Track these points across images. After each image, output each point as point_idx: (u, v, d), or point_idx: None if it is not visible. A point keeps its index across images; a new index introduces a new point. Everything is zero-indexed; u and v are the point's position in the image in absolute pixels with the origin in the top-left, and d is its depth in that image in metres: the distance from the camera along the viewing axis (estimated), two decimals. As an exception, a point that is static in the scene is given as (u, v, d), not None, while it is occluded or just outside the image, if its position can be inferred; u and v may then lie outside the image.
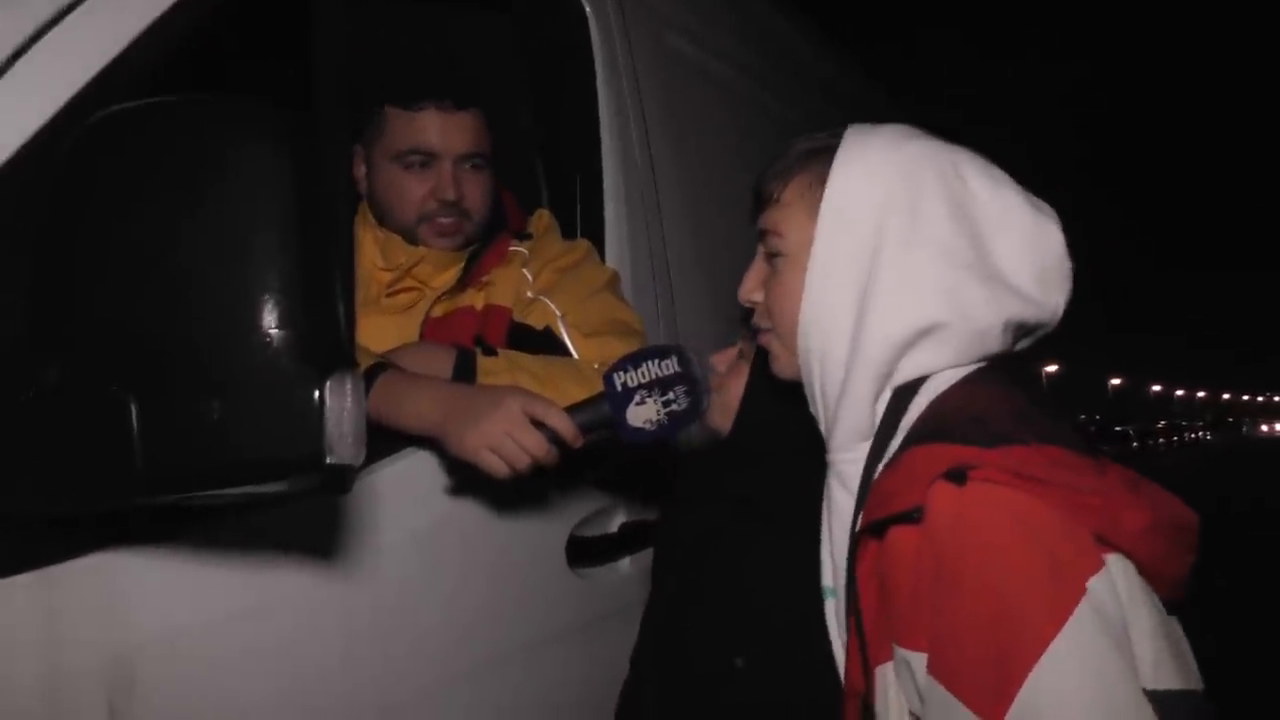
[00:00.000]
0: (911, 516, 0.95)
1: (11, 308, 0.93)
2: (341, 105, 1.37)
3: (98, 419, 0.87)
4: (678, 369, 1.37)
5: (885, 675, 0.99)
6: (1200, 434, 74.60)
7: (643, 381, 1.36)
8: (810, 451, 1.43)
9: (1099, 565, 0.92)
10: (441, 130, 1.66)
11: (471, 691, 1.44)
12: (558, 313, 1.62)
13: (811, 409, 1.18)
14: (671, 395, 1.36)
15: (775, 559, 1.39)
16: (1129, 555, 0.95)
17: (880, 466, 1.06)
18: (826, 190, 1.12)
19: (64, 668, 0.97)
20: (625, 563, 1.78)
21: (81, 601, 1.00)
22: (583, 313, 1.63)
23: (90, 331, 0.89)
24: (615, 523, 1.78)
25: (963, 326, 1.06)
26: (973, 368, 1.10)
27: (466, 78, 1.77)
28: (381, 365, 1.40)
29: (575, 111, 1.96)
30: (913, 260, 1.07)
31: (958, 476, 0.93)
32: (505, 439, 1.32)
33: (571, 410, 1.37)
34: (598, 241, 1.87)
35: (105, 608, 1.01)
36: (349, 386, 0.92)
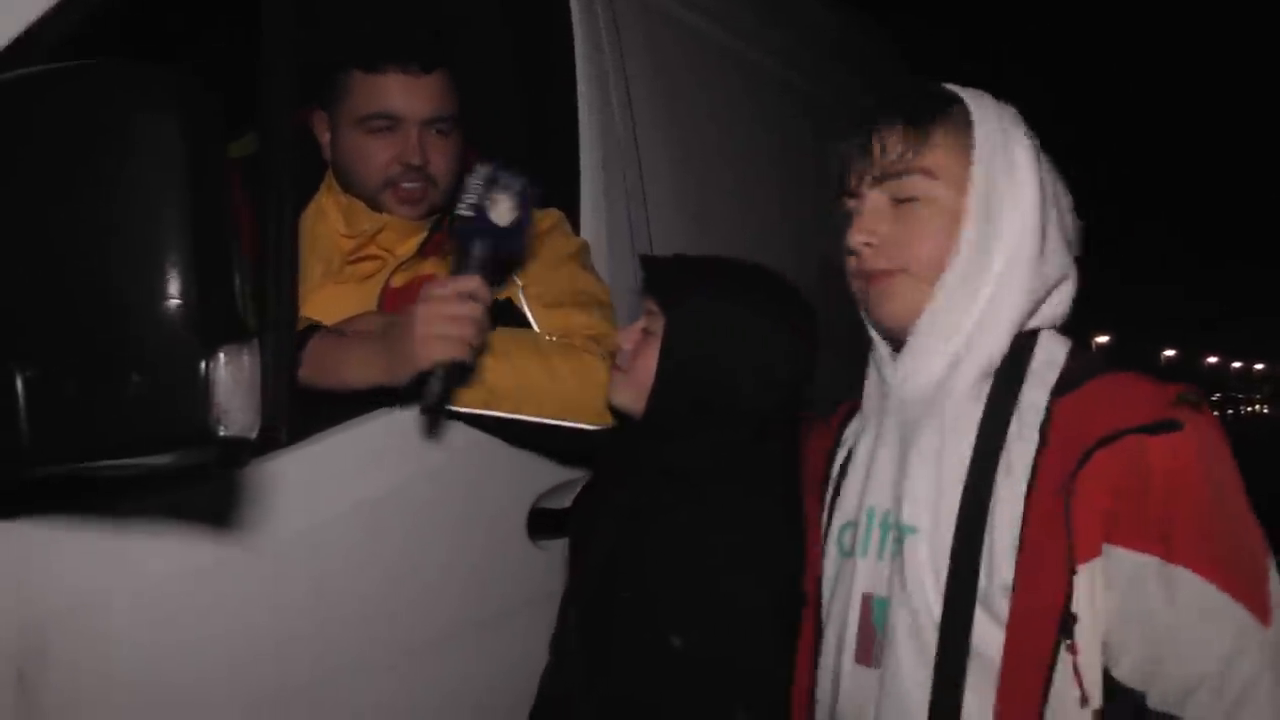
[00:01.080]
0: (1175, 427, 1.03)
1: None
2: (290, 71, 1.34)
3: (-16, 390, 0.86)
4: (488, 173, 1.37)
5: (1082, 581, 1.02)
6: (1257, 407, 73.06)
7: (474, 200, 1.35)
8: (726, 423, 1.41)
9: None
10: (406, 93, 1.63)
11: (419, 666, 1.43)
12: (519, 283, 1.60)
13: (911, 349, 1.17)
14: (503, 184, 1.36)
15: (703, 533, 1.37)
16: None
17: (1029, 395, 1.12)
18: (978, 140, 1.16)
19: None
20: (594, 535, 1.76)
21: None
22: (545, 283, 1.60)
23: (-21, 303, 0.88)
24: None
25: (1074, 280, 1.20)
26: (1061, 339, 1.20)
27: (431, 39, 1.73)
28: (310, 329, 1.39)
29: (554, 77, 1.92)
30: (1052, 214, 1.17)
31: (1193, 402, 1.06)
32: (437, 327, 1.34)
33: (458, 268, 1.39)
34: (574, 211, 1.84)
35: (12, 577, 1.01)
36: (244, 358, 0.91)
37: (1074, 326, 1.24)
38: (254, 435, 0.91)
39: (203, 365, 0.86)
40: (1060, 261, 1.17)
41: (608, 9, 2.00)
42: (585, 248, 1.75)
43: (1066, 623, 1.02)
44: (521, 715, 1.50)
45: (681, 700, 1.32)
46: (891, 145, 1.18)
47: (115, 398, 0.86)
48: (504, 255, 1.43)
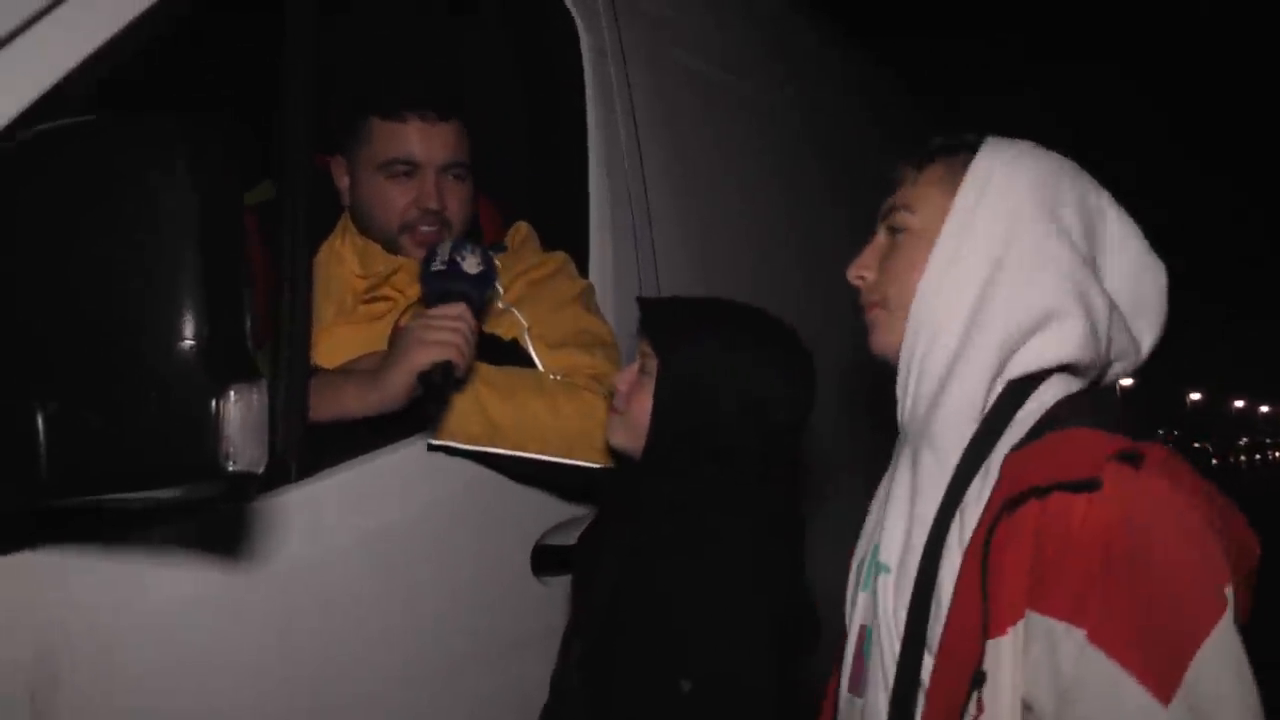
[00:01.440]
0: (1090, 486, 0.97)
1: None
2: (308, 120, 1.40)
3: (8, 424, 0.91)
4: (453, 242, 1.56)
5: (1001, 645, 0.99)
6: (1286, 452, 72.18)
7: (446, 256, 1.52)
8: (721, 463, 1.43)
9: (1229, 576, 0.98)
10: (424, 140, 1.70)
11: (421, 698, 1.46)
12: (525, 324, 1.64)
13: (899, 386, 1.19)
14: (469, 248, 1.54)
15: (702, 572, 1.38)
16: (1238, 577, 1.00)
17: (998, 449, 1.09)
18: (971, 170, 1.17)
19: (-15, 661, 1.02)
20: (598, 572, 1.79)
21: (4, 597, 1.04)
22: (550, 324, 1.65)
23: (4, 342, 0.93)
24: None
25: (1080, 320, 1.10)
26: (1081, 385, 1.15)
27: (449, 88, 1.80)
28: (313, 372, 1.44)
29: (565, 123, 1.97)
30: (1046, 248, 1.12)
31: (1133, 459, 0.99)
32: (429, 334, 1.45)
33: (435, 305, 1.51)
34: (582, 253, 1.89)
35: (28, 604, 1.05)
36: (253, 395, 0.95)
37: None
38: (261, 470, 0.95)
39: (213, 403, 0.91)
40: (1042, 304, 1.11)
41: (618, 57, 2.05)
42: (590, 290, 1.80)
43: (977, 681, 1.00)
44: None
45: None
46: (898, 184, 1.24)
47: (130, 432, 0.91)
48: (475, 301, 1.53)
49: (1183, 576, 0.96)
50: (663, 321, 1.50)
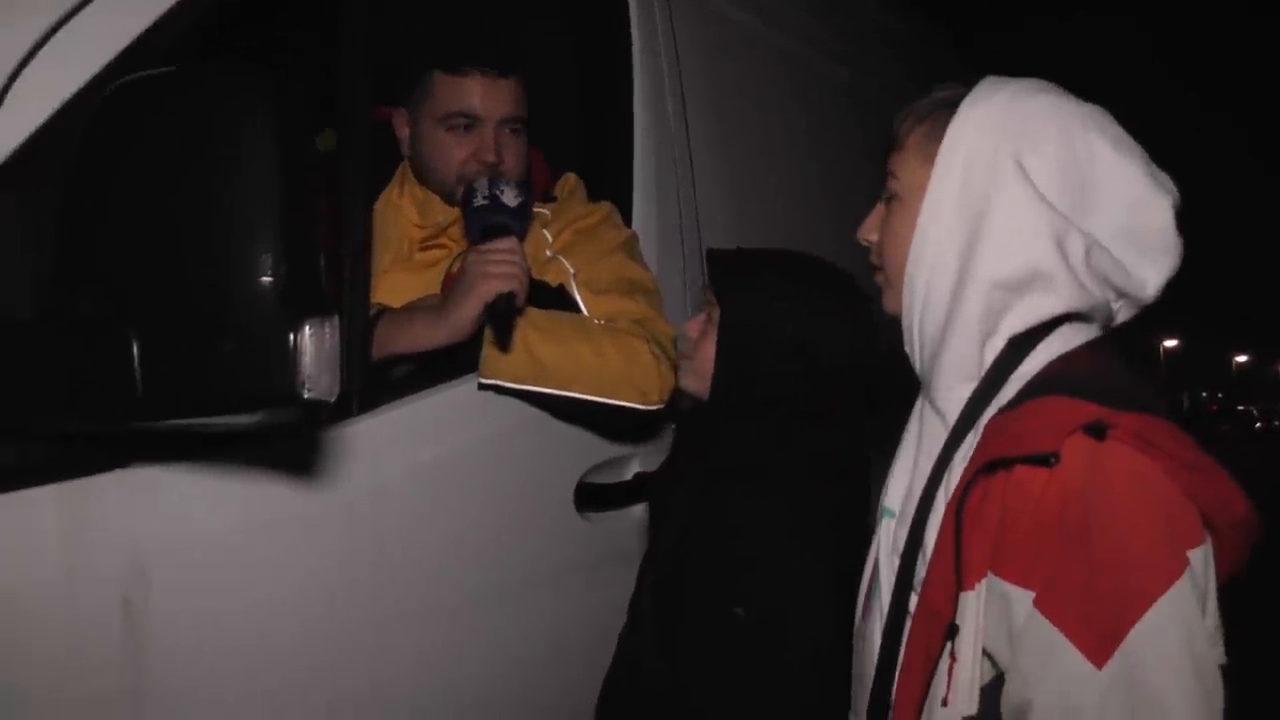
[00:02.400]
0: (1048, 460, 1.00)
1: (43, 249, 1.06)
2: (365, 75, 1.46)
3: (106, 352, 1.00)
4: (489, 179, 1.65)
5: (968, 600, 1.04)
6: (1334, 418, 70.87)
7: (485, 192, 1.63)
8: (770, 402, 1.51)
9: (1201, 538, 1.01)
10: (485, 95, 1.75)
11: (468, 620, 1.56)
12: (571, 271, 1.71)
13: (905, 346, 1.24)
14: (505, 182, 1.65)
15: (762, 512, 1.47)
16: (1221, 533, 1.03)
17: (991, 408, 1.12)
18: (946, 133, 1.16)
19: (83, 566, 1.12)
20: (638, 510, 1.87)
21: (102, 510, 1.14)
22: (595, 271, 1.72)
23: (104, 275, 1.01)
24: (630, 471, 1.87)
25: (1063, 272, 1.10)
26: (1088, 333, 1.15)
27: (510, 44, 1.85)
28: (378, 312, 1.52)
29: (611, 76, 2.02)
30: (1019, 204, 1.11)
31: (1097, 431, 1.00)
32: (488, 268, 1.54)
33: (485, 238, 1.59)
34: (626, 203, 1.95)
35: (123, 516, 1.15)
36: (326, 329, 1.03)
37: (1131, 327, 1.19)
38: (333, 399, 1.03)
39: (290, 335, 0.99)
40: (1023, 262, 1.10)
41: (664, 9, 2.10)
42: (634, 239, 1.86)
43: (950, 632, 1.05)
44: (562, 673, 1.63)
45: (742, 664, 1.43)
46: (888, 145, 1.26)
47: (215, 361, 0.98)
48: (519, 232, 1.63)
49: (1135, 544, 0.98)
50: (726, 271, 1.58)
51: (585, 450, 1.78)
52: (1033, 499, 1.01)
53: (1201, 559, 1.00)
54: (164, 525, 1.19)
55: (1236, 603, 1.11)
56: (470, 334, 1.57)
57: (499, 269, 1.53)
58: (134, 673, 1.16)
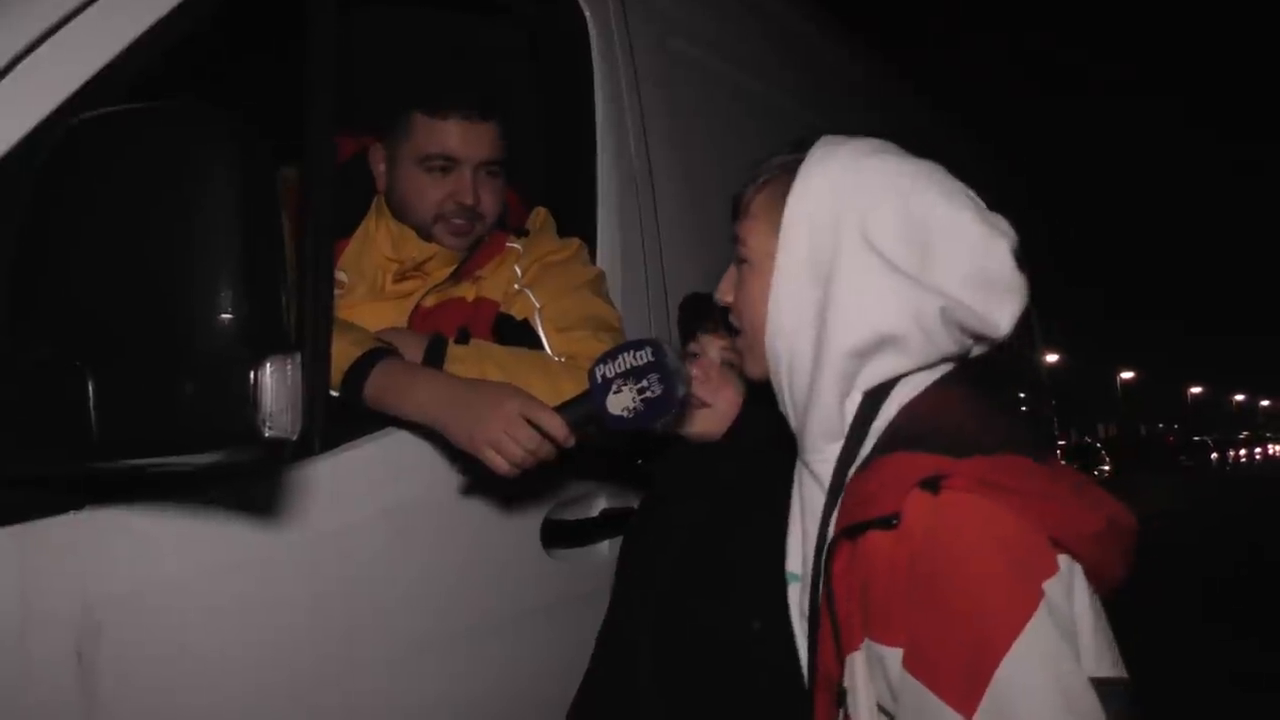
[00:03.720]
0: (889, 522, 1.02)
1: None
2: (329, 110, 1.46)
3: (62, 391, 0.98)
4: (651, 358, 1.45)
5: (855, 663, 1.07)
6: (1286, 447, 72.30)
7: (619, 371, 1.45)
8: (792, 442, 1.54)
9: (1054, 568, 1.01)
10: (464, 138, 1.76)
11: (436, 658, 1.53)
12: (536, 305, 1.71)
13: (781, 409, 1.25)
14: (645, 383, 1.45)
15: (773, 536, 1.48)
16: (1078, 557, 1.04)
17: (853, 469, 1.14)
18: (788, 202, 1.18)
19: (35, 614, 1.09)
20: (604, 546, 1.86)
21: (55, 555, 1.11)
22: (560, 307, 1.72)
23: (59, 312, 0.99)
24: (596, 508, 1.87)
25: (916, 334, 1.13)
26: (939, 371, 1.17)
27: (489, 88, 1.86)
28: (380, 352, 1.50)
29: (574, 113, 2.04)
30: (864, 271, 1.13)
31: (931, 485, 1.02)
32: (505, 438, 1.44)
33: (562, 409, 1.48)
34: (590, 238, 1.95)
35: (77, 562, 1.12)
36: (288, 367, 1.02)
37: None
38: (295, 437, 1.02)
39: (251, 372, 0.97)
40: (873, 330, 1.13)
41: (625, 48, 2.12)
42: (601, 276, 1.86)
43: (841, 695, 1.07)
44: (530, 710, 1.61)
45: (749, 692, 1.45)
46: (735, 208, 1.28)
47: (174, 399, 0.97)
48: (603, 427, 1.49)
49: (983, 590, 0.99)
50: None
51: (550, 488, 1.77)
52: (885, 559, 1.03)
53: (1059, 588, 1.00)
54: (120, 570, 1.17)
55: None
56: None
57: (514, 448, 1.44)
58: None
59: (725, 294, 1.31)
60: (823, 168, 1.18)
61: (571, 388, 1.61)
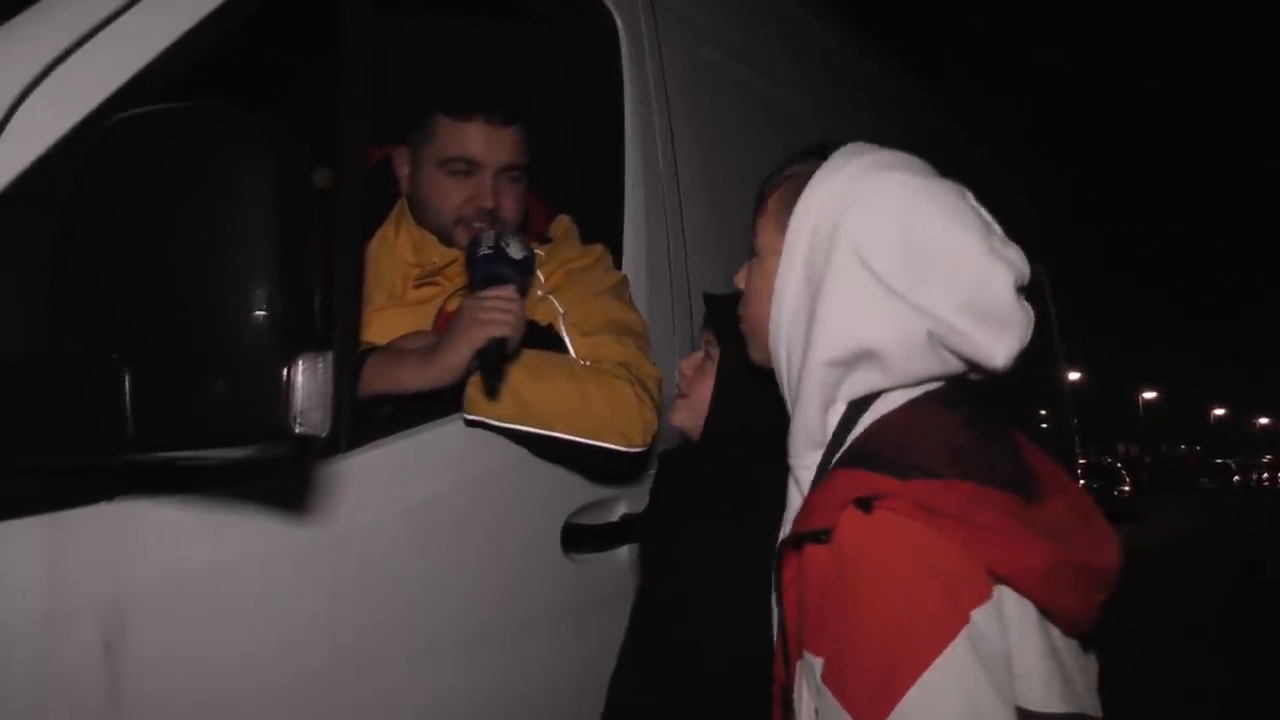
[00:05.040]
0: (820, 537, 1.04)
1: (35, 287, 1.06)
2: (363, 114, 1.48)
3: (98, 385, 0.99)
4: (496, 232, 1.67)
5: (799, 671, 1.09)
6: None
7: (492, 243, 1.63)
8: (767, 438, 1.52)
9: (985, 596, 1.01)
10: (486, 142, 1.78)
11: (453, 658, 1.54)
12: (561, 311, 1.73)
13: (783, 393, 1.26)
14: (510, 237, 1.66)
15: (751, 547, 1.47)
16: (1021, 591, 1.04)
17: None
18: (795, 207, 1.19)
19: (64, 606, 1.10)
20: (624, 551, 1.86)
21: (85, 546, 1.12)
22: (584, 312, 1.73)
23: (96, 307, 1.01)
24: (617, 513, 1.87)
25: (896, 352, 1.12)
26: (922, 390, 1.16)
27: (514, 92, 1.88)
28: (367, 350, 1.52)
29: (603, 121, 2.05)
30: (851, 284, 1.13)
31: (865, 505, 1.03)
32: (483, 314, 1.54)
33: (484, 288, 1.60)
34: (616, 245, 1.97)
35: (107, 553, 1.14)
36: (319, 365, 1.03)
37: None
38: (325, 434, 1.03)
39: (284, 370, 0.99)
40: (853, 344, 1.12)
41: (655, 55, 2.13)
42: (624, 281, 1.87)
43: (785, 697, 1.09)
44: (546, 714, 1.62)
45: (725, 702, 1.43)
46: (756, 204, 1.30)
47: (207, 395, 0.98)
48: (520, 285, 1.64)
49: (902, 612, 0.99)
50: (727, 313, 1.60)
51: (572, 491, 1.77)
52: (819, 572, 1.05)
53: (989, 616, 1.00)
54: (148, 561, 1.18)
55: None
56: (460, 378, 1.57)
57: (495, 315, 1.54)
58: (113, 714, 1.14)
59: (740, 280, 1.34)
60: (834, 176, 1.18)
61: (598, 392, 1.63)
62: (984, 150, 4.46)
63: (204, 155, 1.01)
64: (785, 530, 1.23)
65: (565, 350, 1.70)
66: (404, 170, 1.86)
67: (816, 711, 1.06)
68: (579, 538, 1.78)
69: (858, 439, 1.13)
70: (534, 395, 1.60)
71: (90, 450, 1.02)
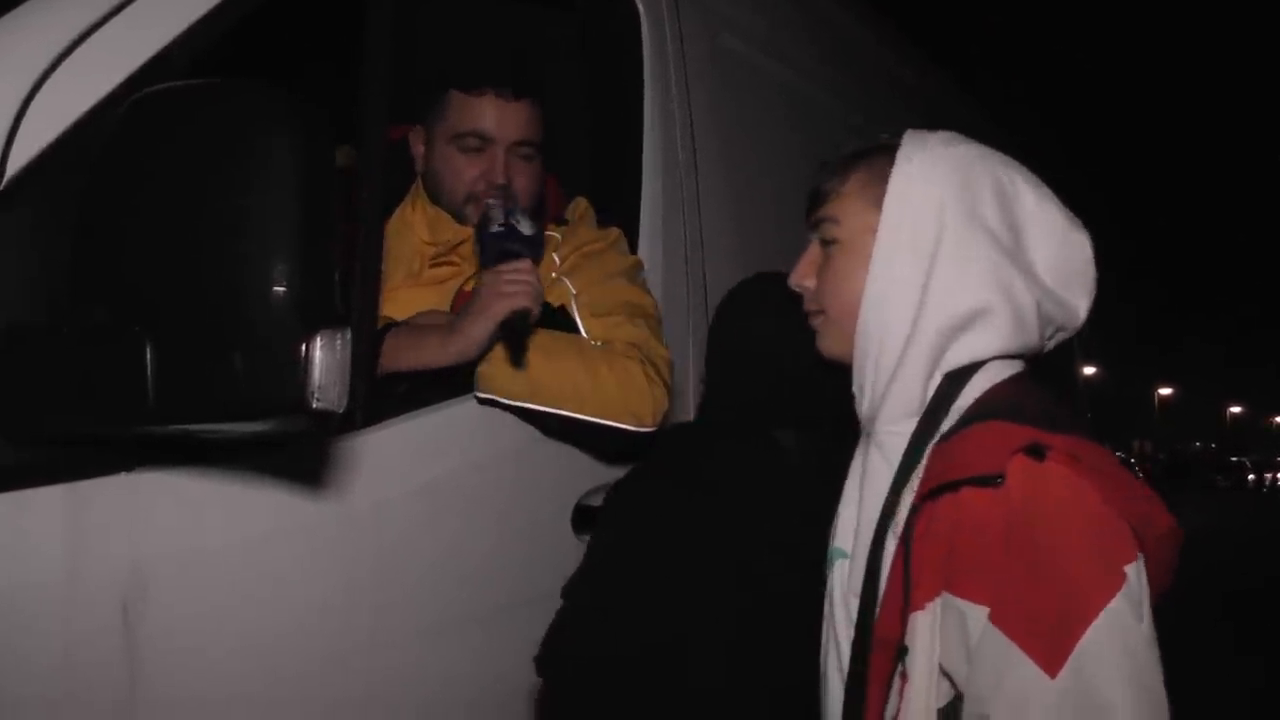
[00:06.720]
0: (994, 480, 1.06)
1: (63, 254, 1.08)
2: (384, 94, 1.49)
3: (120, 357, 1.01)
4: (506, 208, 1.67)
5: (916, 622, 1.09)
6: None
7: (502, 218, 1.64)
8: (755, 432, 1.52)
9: (1135, 555, 1.05)
10: (498, 116, 1.78)
11: (463, 636, 1.56)
12: (573, 292, 1.73)
13: (855, 386, 1.27)
14: (521, 212, 1.67)
15: (713, 538, 1.47)
16: (1145, 554, 1.07)
17: (933, 441, 1.16)
18: (891, 181, 1.22)
19: (84, 570, 1.12)
20: (634, 534, 1.87)
21: (105, 514, 1.14)
22: (596, 294, 1.74)
23: (120, 279, 1.03)
24: (628, 495, 1.88)
25: (1008, 312, 1.17)
26: (1015, 366, 1.21)
27: (527, 69, 1.88)
28: (387, 325, 1.54)
29: (623, 106, 2.06)
30: (969, 247, 1.18)
31: (1037, 452, 1.06)
32: (503, 287, 1.55)
33: (497, 263, 1.60)
34: (633, 230, 1.97)
35: (126, 521, 1.16)
36: (338, 341, 1.04)
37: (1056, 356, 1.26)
38: (342, 409, 1.05)
39: (303, 345, 1.00)
40: (971, 304, 1.17)
41: (678, 46, 2.13)
42: (638, 265, 1.88)
43: (900, 654, 1.09)
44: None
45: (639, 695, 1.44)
46: (821, 194, 1.30)
47: (227, 369, 1.00)
48: (532, 259, 1.65)
49: (1077, 559, 1.03)
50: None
51: (583, 473, 1.79)
52: (980, 518, 1.06)
53: (1135, 574, 1.04)
54: (166, 530, 1.20)
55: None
56: (481, 353, 1.58)
57: (512, 288, 1.55)
58: (130, 678, 1.16)
59: (804, 276, 1.33)
60: (921, 149, 1.23)
61: (608, 372, 1.64)
62: (1005, 140, 4.44)
63: (228, 131, 1.02)
64: (859, 500, 1.23)
65: (577, 331, 1.71)
66: (419, 149, 1.86)
67: (946, 666, 1.08)
68: (590, 519, 1.79)
69: (980, 403, 1.16)
70: (545, 374, 1.62)
71: (111, 420, 1.04)
